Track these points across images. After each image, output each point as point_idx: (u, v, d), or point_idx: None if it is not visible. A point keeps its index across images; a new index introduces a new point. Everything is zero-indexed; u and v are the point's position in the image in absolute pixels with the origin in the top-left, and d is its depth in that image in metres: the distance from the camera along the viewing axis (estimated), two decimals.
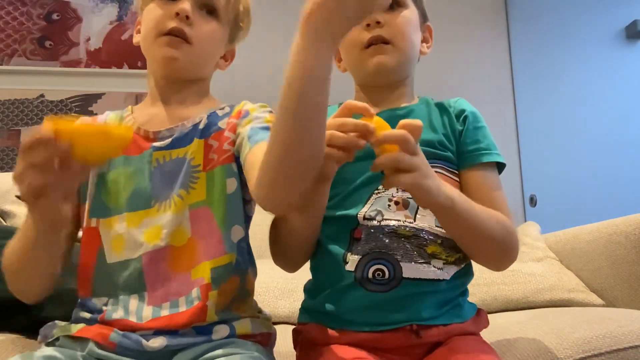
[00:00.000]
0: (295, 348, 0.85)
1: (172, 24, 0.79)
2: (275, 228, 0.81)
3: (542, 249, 1.53)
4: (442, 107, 0.88)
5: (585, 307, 1.32)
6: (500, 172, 0.85)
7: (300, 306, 0.86)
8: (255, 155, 0.70)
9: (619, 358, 0.83)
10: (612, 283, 1.33)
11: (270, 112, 0.82)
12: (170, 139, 0.80)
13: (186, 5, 0.79)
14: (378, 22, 0.83)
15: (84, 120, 0.84)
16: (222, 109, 0.85)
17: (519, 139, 2.63)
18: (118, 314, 0.73)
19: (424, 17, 0.92)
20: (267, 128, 0.76)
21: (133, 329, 0.71)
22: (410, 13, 0.87)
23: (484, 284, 1.36)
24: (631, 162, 2.59)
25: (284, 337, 0.88)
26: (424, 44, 0.92)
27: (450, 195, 0.69)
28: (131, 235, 0.76)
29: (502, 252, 0.79)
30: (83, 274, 0.77)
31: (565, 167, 2.58)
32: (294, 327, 0.86)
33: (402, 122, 0.64)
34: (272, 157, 0.63)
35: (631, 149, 2.62)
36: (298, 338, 0.83)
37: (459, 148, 0.84)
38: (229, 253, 0.76)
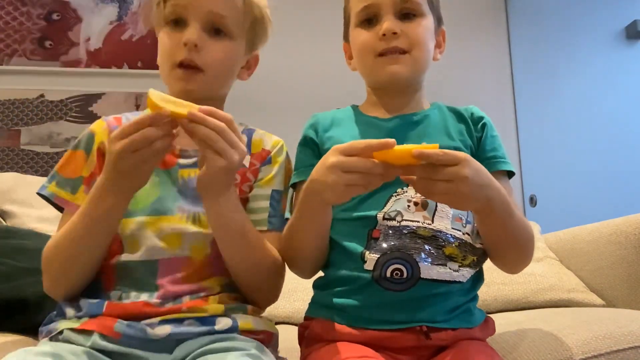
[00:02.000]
0: (300, 344, 0.85)
1: (182, 55, 0.80)
2: (285, 242, 0.82)
3: (542, 249, 1.53)
4: (458, 114, 0.89)
5: (585, 307, 1.31)
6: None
7: (309, 301, 0.87)
8: None
9: (619, 359, 0.83)
10: (612, 283, 1.33)
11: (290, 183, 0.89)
12: (195, 159, 0.82)
13: (192, 35, 0.79)
14: (394, 33, 0.83)
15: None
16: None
17: (519, 139, 2.63)
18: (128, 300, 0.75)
19: (439, 22, 0.91)
20: (274, 216, 0.84)
21: (140, 310, 0.72)
22: (426, 21, 0.86)
23: (484, 284, 1.35)
24: (631, 162, 2.59)
25: (284, 338, 0.88)
26: (437, 50, 0.92)
27: (489, 196, 0.70)
28: (148, 239, 0.77)
29: (524, 257, 0.82)
30: (106, 268, 0.78)
31: (565, 167, 2.58)
32: (295, 326, 0.86)
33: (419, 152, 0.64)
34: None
35: (631, 149, 2.61)
36: (304, 333, 0.84)
37: (477, 154, 0.85)
38: None
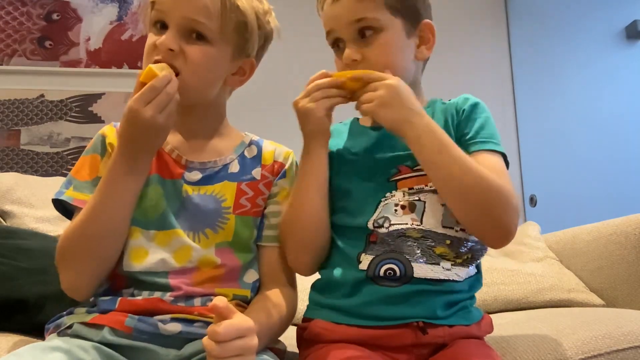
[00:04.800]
0: (299, 346, 0.86)
1: (157, 58, 0.78)
2: (286, 215, 0.84)
3: (542, 249, 1.53)
4: (447, 106, 0.88)
5: (585, 307, 1.32)
6: (507, 165, 0.83)
7: (307, 302, 0.87)
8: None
9: (619, 359, 0.83)
10: (612, 283, 1.33)
11: None
12: (200, 176, 0.83)
13: (166, 39, 0.78)
14: (355, 60, 0.82)
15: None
16: (249, 146, 0.90)
17: (519, 139, 2.63)
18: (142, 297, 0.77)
19: (413, 19, 0.85)
20: None
21: (153, 305, 0.74)
22: (388, 34, 0.82)
23: (484, 284, 1.34)
24: (631, 162, 2.59)
25: (283, 339, 0.88)
26: (423, 47, 0.87)
27: (413, 120, 0.77)
28: (157, 253, 0.78)
29: (481, 201, 0.75)
30: (116, 275, 0.79)
31: (565, 167, 2.58)
32: (294, 326, 0.87)
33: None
34: None
35: (631, 149, 2.61)
36: (302, 334, 0.84)
37: (457, 139, 0.84)
38: (245, 289, 0.82)
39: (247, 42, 0.85)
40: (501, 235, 0.78)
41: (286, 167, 0.89)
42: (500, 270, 1.41)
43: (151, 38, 0.82)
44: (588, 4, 2.75)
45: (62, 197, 0.79)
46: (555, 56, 2.70)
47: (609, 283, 1.33)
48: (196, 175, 0.83)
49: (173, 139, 0.85)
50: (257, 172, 0.87)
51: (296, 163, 0.91)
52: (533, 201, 2.57)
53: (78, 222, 0.75)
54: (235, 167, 0.86)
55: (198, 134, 0.87)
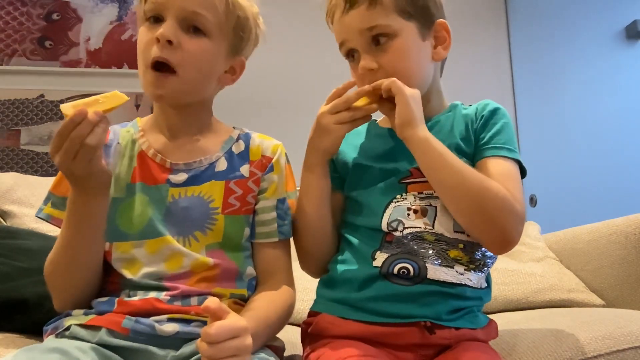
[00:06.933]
0: (303, 342, 0.86)
1: (156, 53, 0.75)
2: (293, 226, 0.86)
3: (542, 249, 1.53)
4: (468, 111, 0.88)
5: (585, 307, 1.32)
6: (523, 173, 0.86)
7: (310, 300, 0.87)
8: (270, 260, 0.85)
9: (619, 359, 0.83)
10: (612, 283, 1.33)
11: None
12: (186, 177, 0.81)
13: (166, 30, 0.75)
14: (372, 70, 0.81)
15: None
16: (237, 142, 0.87)
17: (519, 139, 2.63)
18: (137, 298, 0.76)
19: (427, 21, 0.84)
20: (283, 225, 0.85)
21: (151, 305, 0.74)
22: (402, 40, 0.81)
23: None
24: (631, 162, 2.59)
25: (284, 338, 0.88)
26: (439, 47, 0.86)
27: (415, 129, 0.78)
28: (149, 264, 0.78)
29: (479, 208, 0.76)
30: (112, 284, 0.80)
31: (565, 167, 2.58)
32: (294, 326, 0.87)
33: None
34: None
35: (631, 149, 2.61)
36: (307, 330, 0.83)
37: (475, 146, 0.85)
38: (242, 288, 0.82)
39: (243, 41, 0.83)
40: (501, 243, 0.79)
41: (273, 160, 0.86)
42: (500, 270, 1.41)
43: (145, 33, 0.78)
44: (588, 4, 2.75)
45: (41, 215, 0.81)
46: (555, 56, 2.70)
47: (609, 283, 1.33)
48: (182, 177, 0.81)
49: (156, 142, 0.83)
50: (245, 169, 0.85)
51: (285, 155, 0.89)
52: (533, 201, 2.57)
53: (53, 253, 0.77)
54: (222, 165, 0.84)
55: (183, 133, 0.84)
